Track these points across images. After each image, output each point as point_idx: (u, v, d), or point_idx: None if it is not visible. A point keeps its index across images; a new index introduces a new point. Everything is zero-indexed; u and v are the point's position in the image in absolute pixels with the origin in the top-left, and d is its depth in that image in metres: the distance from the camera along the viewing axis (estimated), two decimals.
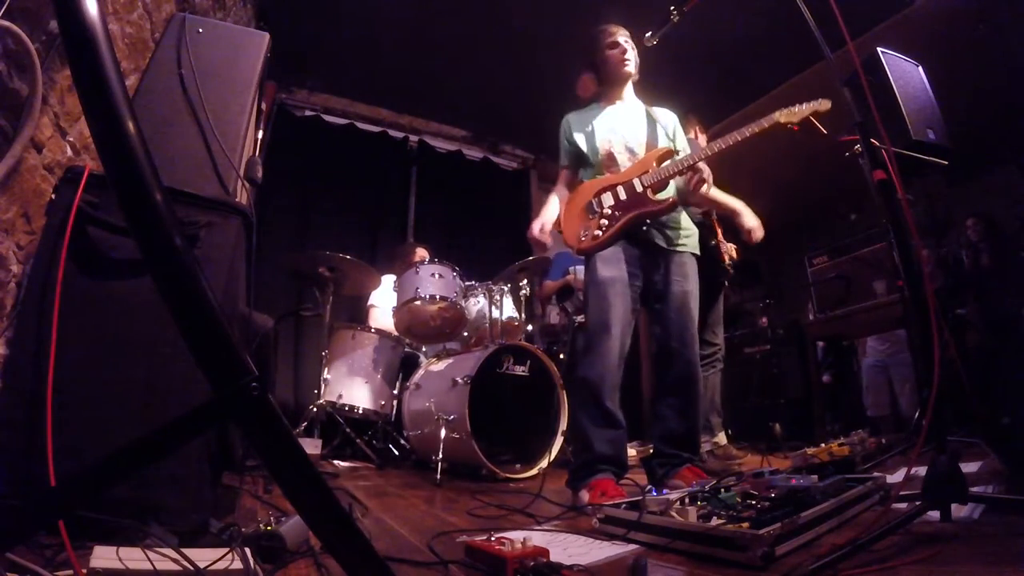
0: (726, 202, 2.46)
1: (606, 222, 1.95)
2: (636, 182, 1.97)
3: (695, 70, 3.92)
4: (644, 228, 1.98)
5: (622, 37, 2.10)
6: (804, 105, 1.94)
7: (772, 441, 3.34)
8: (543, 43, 3.95)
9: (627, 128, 2.09)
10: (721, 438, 2.90)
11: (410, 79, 4.65)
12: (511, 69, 4.32)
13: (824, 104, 1.97)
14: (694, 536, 1.01)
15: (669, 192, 2.01)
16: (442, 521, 1.44)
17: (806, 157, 4.24)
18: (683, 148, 2.14)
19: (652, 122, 2.15)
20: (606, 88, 2.17)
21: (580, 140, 2.12)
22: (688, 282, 2.01)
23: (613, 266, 1.92)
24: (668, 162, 2.01)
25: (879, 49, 1.87)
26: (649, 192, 1.95)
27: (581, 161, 2.14)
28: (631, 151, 2.06)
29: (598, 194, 2.00)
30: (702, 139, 3.04)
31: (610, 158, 2.06)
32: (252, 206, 1.39)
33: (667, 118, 2.19)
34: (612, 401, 1.80)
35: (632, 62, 2.09)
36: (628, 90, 2.16)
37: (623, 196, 1.96)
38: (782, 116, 1.93)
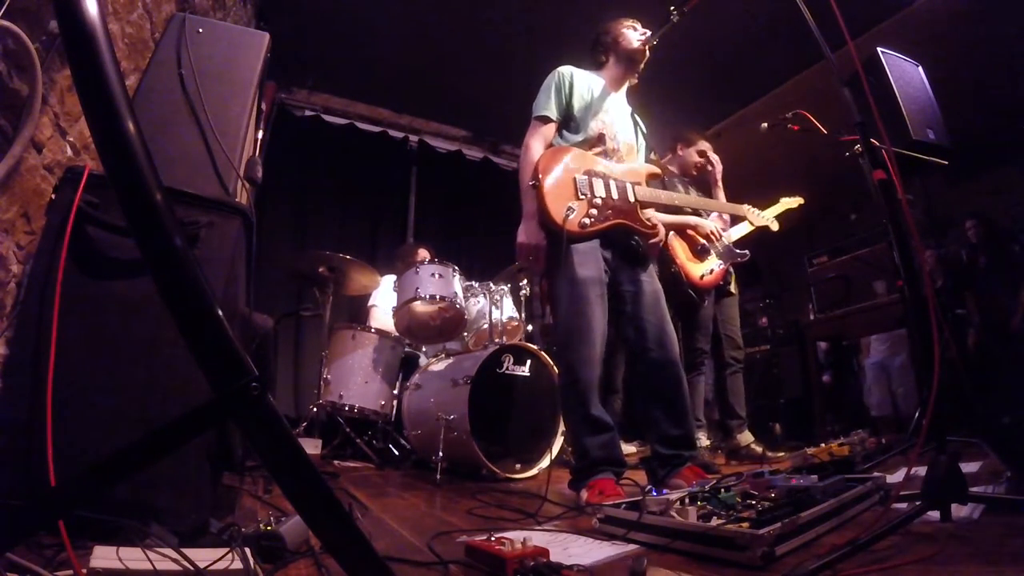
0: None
1: (595, 213, 1.83)
2: (630, 189, 1.94)
3: (695, 70, 3.93)
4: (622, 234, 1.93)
5: (639, 25, 2.07)
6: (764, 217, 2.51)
7: (772, 441, 3.34)
8: (543, 43, 3.95)
9: (620, 121, 2.08)
10: (744, 438, 2.88)
11: (410, 79, 4.66)
12: (511, 69, 4.32)
13: (775, 225, 2.62)
14: (694, 536, 1.01)
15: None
16: (442, 521, 1.43)
17: (806, 157, 4.25)
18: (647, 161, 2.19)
19: (639, 130, 2.18)
20: (612, 71, 2.10)
21: (579, 102, 2.00)
22: (655, 280, 1.98)
23: (591, 264, 1.81)
24: (658, 188, 2.04)
25: (879, 49, 1.87)
26: (639, 208, 1.94)
27: (567, 122, 2.01)
28: (618, 144, 2.04)
29: (589, 174, 1.88)
30: (690, 152, 3.05)
31: (600, 139, 1.98)
32: (252, 206, 1.39)
33: (644, 132, 2.21)
34: (597, 407, 1.77)
35: (647, 45, 2.01)
36: (625, 87, 2.15)
37: (615, 195, 1.90)
38: (748, 212, 2.42)
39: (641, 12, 2.11)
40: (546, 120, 1.99)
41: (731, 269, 2.97)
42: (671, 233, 2.77)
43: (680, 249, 2.80)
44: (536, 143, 1.95)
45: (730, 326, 3.01)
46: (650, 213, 2.03)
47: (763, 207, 3.06)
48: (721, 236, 2.81)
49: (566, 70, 2.04)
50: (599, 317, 1.79)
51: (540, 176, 1.84)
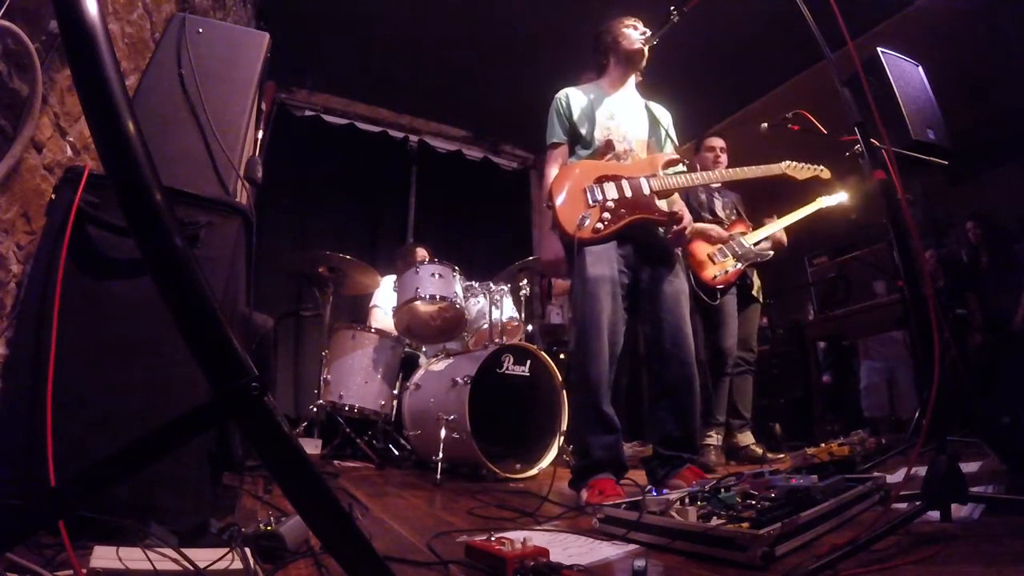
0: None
1: (608, 216, 1.87)
2: (644, 183, 1.94)
3: (695, 70, 3.92)
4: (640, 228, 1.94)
5: (640, 25, 2.08)
6: (809, 167, 2.27)
7: (772, 441, 3.34)
8: (543, 43, 3.95)
9: (627, 120, 2.08)
10: (744, 438, 2.90)
11: (410, 79, 4.65)
12: (511, 69, 4.32)
13: (826, 173, 2.35)
14: (694, 536, 1.01)
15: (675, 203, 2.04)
16: (442, 521, 1.43)
17: (805, 157, 4.25)
18: (671, 150, 2.17)
19: (654, 120, 2.15)
20: (612, 72, 2.12)
21: (579, 119, 2.05)
22: (680, 280, 1.99)
23: (604, 263, 1.85)
24: (677, 171, 2.03)
25: (879, 49, 1.86)
26: (656, 198, 1.94)
27: (576, 140, 2.07)
28: (629, 144, 2.04)
29: (599, 181, 1.92)
30: (703, 157, 3.10)
31: (608, 145, 2.01)
32: (252, 206, 1.39)
33: (665, 117, 2.19)
34: (608, 404, 1.78)
35: (647, 45, 2.03)
36: (631, 82, 2.15)
37: (628, 193, 1.91)
38: (788, 169, 2.21)
39: (641, 12, 2.11)
40: (555, 145, 2.09)
41: (752, 275, 3.01)
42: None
43: (693, 256, 2.87)
44: (551, 169, 2.06)
45: (747, 328, 3.02)
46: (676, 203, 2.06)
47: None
48: (730, 239, 2.86)
49: (562, 93, 2.11)
50: (608, 313, 1.81)
51: (553, 196, 1.92)
